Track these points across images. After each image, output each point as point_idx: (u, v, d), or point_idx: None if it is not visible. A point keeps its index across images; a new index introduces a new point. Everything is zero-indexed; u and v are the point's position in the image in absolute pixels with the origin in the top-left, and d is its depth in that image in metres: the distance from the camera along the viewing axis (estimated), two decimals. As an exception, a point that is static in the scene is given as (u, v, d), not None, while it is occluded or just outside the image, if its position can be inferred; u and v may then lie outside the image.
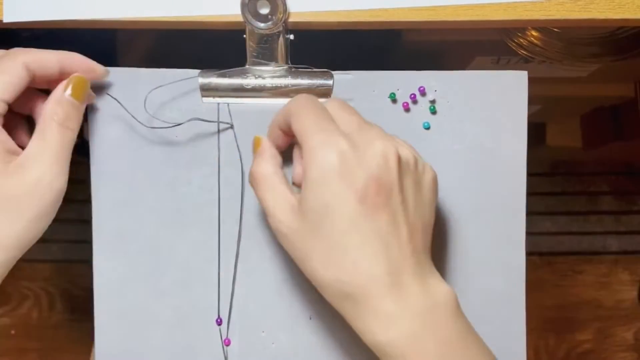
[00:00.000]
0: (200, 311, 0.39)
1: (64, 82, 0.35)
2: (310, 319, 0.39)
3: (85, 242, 0.41)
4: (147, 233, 0.39)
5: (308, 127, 0.32)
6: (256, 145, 0.35)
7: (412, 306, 0.30)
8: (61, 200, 0.34)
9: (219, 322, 0.39)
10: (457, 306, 0.32)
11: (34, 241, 0.34)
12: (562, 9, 0.36)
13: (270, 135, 0.36)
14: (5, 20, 0.36)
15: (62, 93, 0.34)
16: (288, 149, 0.36)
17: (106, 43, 0.36)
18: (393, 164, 0.31)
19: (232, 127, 0.39)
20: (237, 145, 0.39)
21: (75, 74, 0.35)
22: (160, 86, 0.37)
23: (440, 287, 0.32)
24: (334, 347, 0.39)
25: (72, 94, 0.34)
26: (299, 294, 0.39)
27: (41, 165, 0.33)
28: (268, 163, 0.34)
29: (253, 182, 0.34)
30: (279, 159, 0.35)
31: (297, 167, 0.34)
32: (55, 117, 0.34)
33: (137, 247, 0.39)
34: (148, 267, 0.39)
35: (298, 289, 0.39)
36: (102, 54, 0.36)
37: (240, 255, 0.39)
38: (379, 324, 0.30)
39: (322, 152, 0.31)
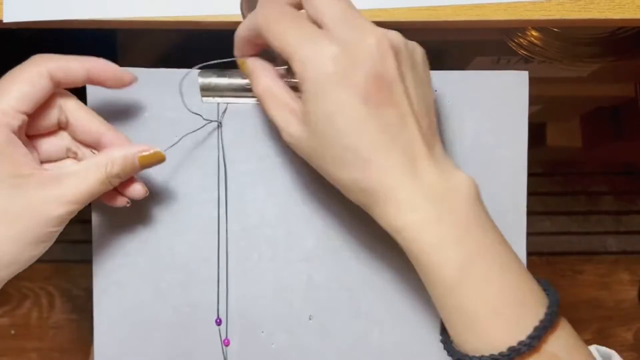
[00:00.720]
0: (199, 311, 0.39)
1: (147, 146, 0.34)
2: (310, 319, 0.39)
3: (85, 242, 0.41)
4: (147, 233, 0.39)
5: (289, 42, 0.30)
6: (243, 69, 0.35)
7: (427, 191, 0.30)
8: (62, 228, 0.33)
9: (219, 322, 0.39)
10: (477, 196, 0.32)
11: (30, 262, 0.32)
12: (562, 9, 0.36)
13: (239, 51, 0.34)
14: (5, 20, 0.36)
15: (135, 153, 0.33)
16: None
17: (106, 43, 0.36)
18: (389, 55, 0.30)
19: (219, 125, 0.38)
20: (222, 145, 0.39)
21: (161, 152, 0.34)
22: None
23: (457, 174, 0.31)
24: (333, 347, 0.39)
25: (141, 159, 0.34)
26: (299, 294, 0.39)
27: (61, 197, 0.32)
28: (265, 77, 0.33)
29: (261, 102, 0.34)
30: (271, 68, 0.34)
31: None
32: (108, 167, 0.32)
33: (137, 247, 0.39)
34: (148, 267, 0.39)
35: (298, 289, 0.39)
36: (102, 54, 0.36)
37: (240, 255, 0.39)
38: (396, 209, 0.30)
39: (313, 64, 0.30)
